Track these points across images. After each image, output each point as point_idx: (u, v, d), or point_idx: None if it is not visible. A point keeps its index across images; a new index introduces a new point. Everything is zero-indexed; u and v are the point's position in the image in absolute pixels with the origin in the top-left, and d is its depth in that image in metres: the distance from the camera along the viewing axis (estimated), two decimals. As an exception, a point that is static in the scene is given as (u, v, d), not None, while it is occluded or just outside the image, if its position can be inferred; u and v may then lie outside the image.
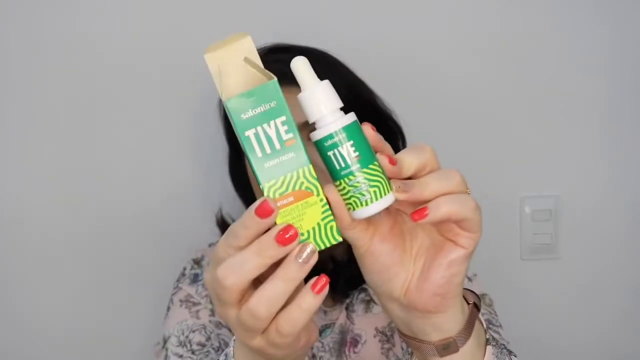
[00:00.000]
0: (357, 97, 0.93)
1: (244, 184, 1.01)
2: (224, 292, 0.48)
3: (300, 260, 0.48)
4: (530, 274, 1.23)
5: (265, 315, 0.48)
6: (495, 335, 0.85)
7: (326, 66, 0.93)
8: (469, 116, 1.19)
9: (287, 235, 0.48)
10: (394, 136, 0.97)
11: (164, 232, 1.18)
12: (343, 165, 0.49)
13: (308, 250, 0.48)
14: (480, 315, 0.59)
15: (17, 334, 1.19)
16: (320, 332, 0.93)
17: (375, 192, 0.50)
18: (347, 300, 0.94)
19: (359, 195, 0.50)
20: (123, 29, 1.14)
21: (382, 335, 0.91)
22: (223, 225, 1.04)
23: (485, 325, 0.60)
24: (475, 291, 0.90)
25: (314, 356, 0.91)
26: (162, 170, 1.18)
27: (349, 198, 0.50)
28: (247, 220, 0.48)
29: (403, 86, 1.00)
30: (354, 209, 0.50)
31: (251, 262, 0.48)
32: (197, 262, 1.01)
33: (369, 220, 0.53)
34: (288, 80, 0.78)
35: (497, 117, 1.20)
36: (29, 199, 1.17)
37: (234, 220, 1.04)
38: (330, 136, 0.49)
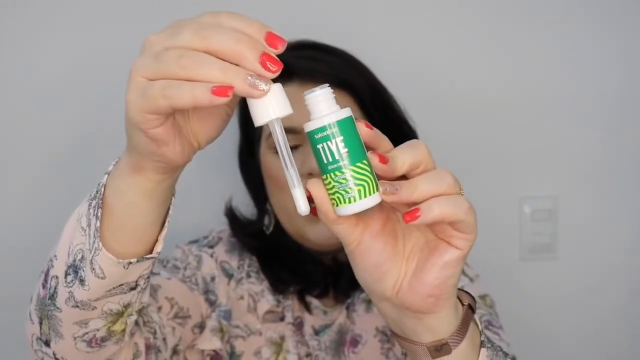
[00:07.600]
0: (378, 98, 0.93)
1: (253, 176, 0.97)
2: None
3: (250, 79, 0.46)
4: (529, 274, 1.23)
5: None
6: (495, 337, 0.84)
7: (352, 66, 0.93)
8: (469, 116, 1.19)
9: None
10: (407, 140, 0.97)
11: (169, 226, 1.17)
12: (331, 159, 0.49)
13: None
14: (476, 317, 0.58)
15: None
16: (319, 332, 0.93)
17: (360, 190, 0.49)
18: (349, 300, 0.93)
19: (342, 192, 0.49)
20: (131, 24, 1.13)
21: (382, 335, 0.91)
22: (231, 215, 1.00)
23: (481, 327, 0.58)
24: (477, 292, 0.90)
25: (309, 354, 0.91)
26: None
27: (333, 193, 0.50)
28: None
29: (402, 86, 1.00)
30: (337, 205, 0.50)
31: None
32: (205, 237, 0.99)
33: (359, 216, 0.52)
34: (314, 78, 0.78)
35: (496, 117, 1.20)
36: (31, 199, 1.17)
37: (241, 213, 1.01)
38: (322, 129, 0.49)
